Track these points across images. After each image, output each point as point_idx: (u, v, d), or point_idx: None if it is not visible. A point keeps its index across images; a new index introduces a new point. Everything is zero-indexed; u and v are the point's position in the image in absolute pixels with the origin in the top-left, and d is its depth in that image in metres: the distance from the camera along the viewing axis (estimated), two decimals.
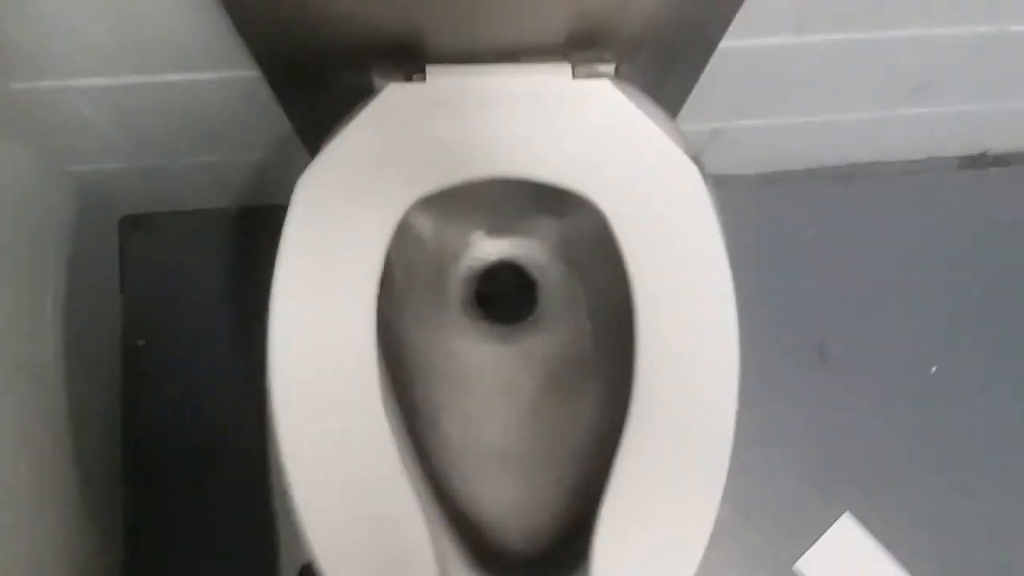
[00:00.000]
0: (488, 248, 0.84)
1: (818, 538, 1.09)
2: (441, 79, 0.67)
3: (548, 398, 0.80)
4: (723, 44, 0.76)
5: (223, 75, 0.77)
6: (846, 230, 1.21)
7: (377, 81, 0.68)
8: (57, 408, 0.88)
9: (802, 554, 1.09)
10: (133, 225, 1.12)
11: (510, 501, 0.75)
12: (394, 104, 0.66)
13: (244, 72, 0.76)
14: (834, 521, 1.10)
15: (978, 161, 1.25)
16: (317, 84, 0.74)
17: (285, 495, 0.60)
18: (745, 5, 0.70)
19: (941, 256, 1.22)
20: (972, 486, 1.13)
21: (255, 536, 0.98)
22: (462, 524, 0.71)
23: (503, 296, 0.85)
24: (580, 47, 0.69)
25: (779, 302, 1.16)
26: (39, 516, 0.83)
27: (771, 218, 1.20)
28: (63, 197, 0.94)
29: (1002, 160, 1.26)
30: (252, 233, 1.10)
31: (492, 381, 0.81)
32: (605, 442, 0.64)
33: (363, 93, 0.68)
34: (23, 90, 0.76)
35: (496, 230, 0.84)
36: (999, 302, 1.21)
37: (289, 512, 0.60)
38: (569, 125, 0.66)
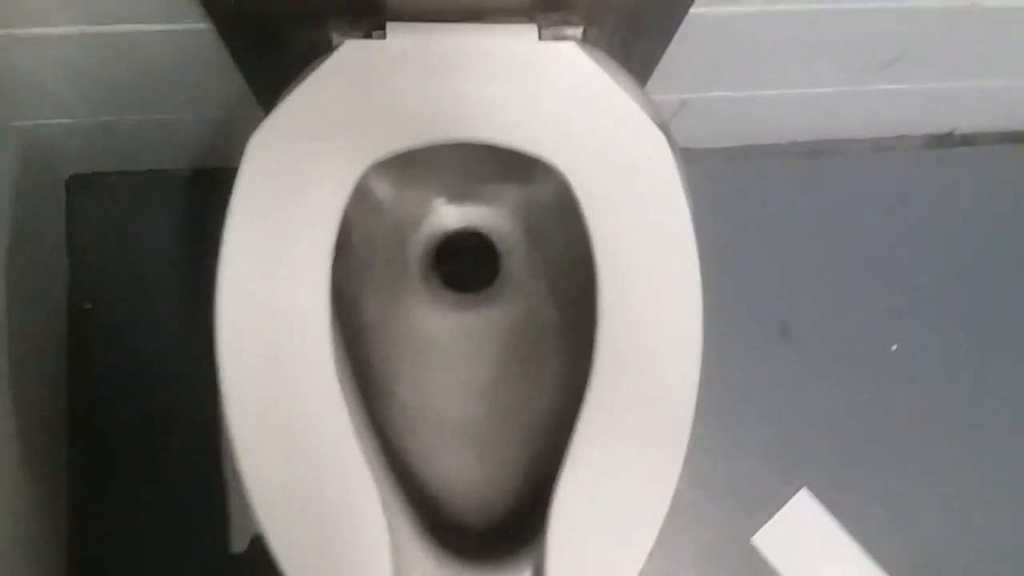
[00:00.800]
0: (449, 215, 0.83)
1: (775, 513, 1.10)
2: (401, 37, 0.65)
3: (508, 369, 0.79)
4: (693, 11, 0.75)
5: (174, 27, 0.74)
6: (812, 207, 1.21)
7: (335, 38, 0.66)
8: None
9: (759, 528, 1.09)
10: (81, 184, 1.09)
11: (467, 474, 0.75)
12: (352, 62, 0.64)
13: (196, 24, 0.74)
14: (792, 496, 1.11)
15: (945, 140, 1.26)
16: (272, 39, 0.72)
17: (235, 465, 0.59)
18: None
19: (905, 235, 1.22)
20: (929, 464, 1.14)
21: (207, 503, 0.97)
22: (417, 497, 0.70)
23: (464, 264, 0.84)
24: (546, 8, 0.67)
25: (742, 278, 1.16)
26: None
27: (737, 193, 1.19)
28: (6, 154, 0.91)
29: (969, 140, 1.27)
30: (205, 195, 1.08)
31: (451, 351, 0.80)
32: (565, 414, 0.63)
33: (320, 50, 0.66)
34: None
35: (458, 196, 0.82)
36: (962, 281, 1.22)
37: (240, 483, 0.59)
38: (533, 88, 0.65)
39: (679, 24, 0.77)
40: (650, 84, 0.89)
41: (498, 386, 0.78)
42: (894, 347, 1.17)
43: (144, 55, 0.79)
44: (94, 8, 0.71)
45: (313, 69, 0.64)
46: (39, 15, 0.72)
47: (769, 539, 1.09)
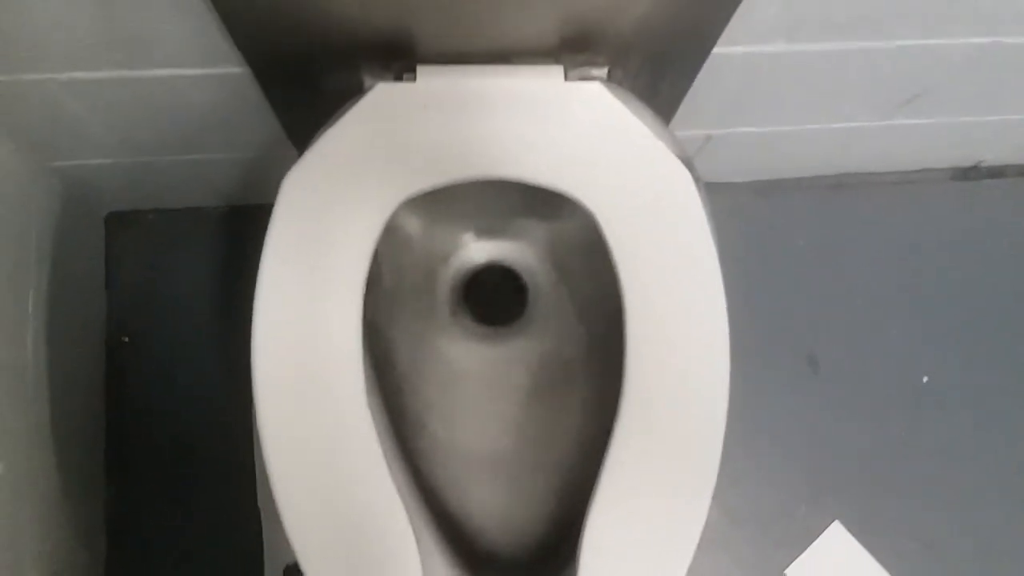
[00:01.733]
0: (477, 250, 0.84)
1: (807, 546, 1.09)
2: (431, 79, 0.66)
3: (536, 401, 0.79)
4: (716, 50, 0.76)
5: (210, 71, 0.76)
6: (838, 240, 1.21)
7: (367, 80, 0.67)
8: (39, 405, 0.87)
9: (792, 561, 1.08)
10: (119, 222, 1.11)
11: (497, 504, 0.75)
12: (383, 103, 0.66)
13: (232, 69, 0.75)
14: (824, 529, 1.10)
15: (971, 173, 1.25)
16: (306, 82, 0.73)
17: (269, 495, 0.60)
18: (738, 12, 0.69)
19: (932, 267, 1.22)
20: (961, 496, 1.13)
21: (239, 535, 0.96)
22: (449, 527, 0.71)
23: (492, 299, 0.85)
24: (572, 50, 0.69)
25: (770, 311, 1.16)
26: (19, 514, 0.82)
27: (763, 227, 1.20)
28: (47, 193, 0.93)
29: (995, 172, 1.26)
30: (240, 232, 1.09)
31: (480, 384, 0.80)
32: (593, 447, 0.63)
33: (352, 92, 0.67)
34: (6, 83, 0.75)
35: (486, 232, 0.83)
36: (990, 313, 1.21)
37: (273, 513, 0.60)
38: (560, 127, 0.65)
39: (702, 63, 0.77)
40: (676, 120, 0.89)
41: (527, 418, 0.78)
42: (925, 379, 1.16)
43: (181, 98, 0.80)
44: (135, 52, 0.73)
45: (346, 111, 0.65)
46: (80, 59, 0.73)
47: (803, 572, 1.08)
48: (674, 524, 0.60)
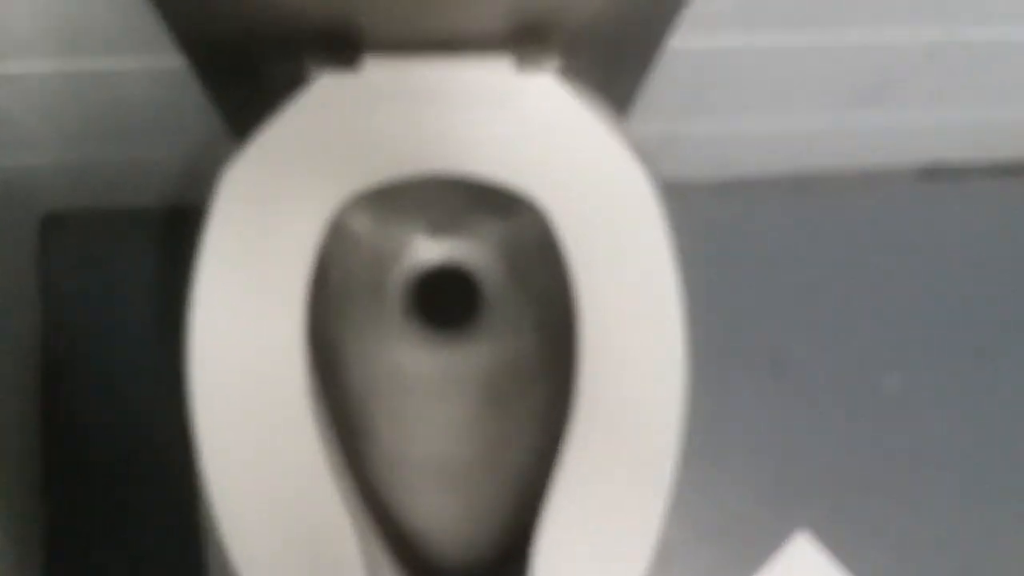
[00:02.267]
0: (429, 250, 0.83)
1: (771, 556, 1.09)
2: (378, 70, 0.65)
3: (490, 408, 0.79)
4: (673, 44, 0.76)
5: (148, 64, 0.75)
6: (802, 240, 1.22)
7: (311, 71, 0.66)
8: None
9: (755, 573, 1.08)
10: (55, 223, 1.09)
11: (448, 514, 0.74)
12: (327, 95, 0.65)
13: (170, 61, 0.74)
14: (788, 538, 1.09)
15: (935, 172, 1.27)
16: (247, 73, 0.72)
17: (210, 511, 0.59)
18: (692, 5, 0.69)
19: (896, 267, 1.23)
20: (929, 500, 1.13)
21: (183, 552, 0.93)
22: (399, 538, 0.70)
23: (445, 301, 0.84)
24: (524, 41, 0.68)
25: (732, 312, 1.15)
26: None
27: (726, 226, 1.20)
28: None
29: (958, 171, 1.27)
30: (182, 232, 1.06)
31: (431, 389, 0.80)
32: (547, 454, 0.63)
33: (296, 84, 0.66)
34: None
35: (437, 231, 0.82)
36: (955, 314, 1.22)
37: (215, 530, 0.59)
38: (511, 121, 0.65)
39: (655, 56, 0.77)
40: (634, 117, 0.89)
41: (480, 425, 0.78)
42: (889, 382, 1.17)
43: (119, 92, 0.80)
44: (68, 44, 0.72)
45: (288, 103, 0.64)
46: (10, 51, 0.72)
47: None
48: (629, 533, 0.60)
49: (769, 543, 1.09)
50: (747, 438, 1.12)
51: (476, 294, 0.83)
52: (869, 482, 1.13)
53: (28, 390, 1.03)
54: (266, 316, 0.61)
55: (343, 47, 0.66)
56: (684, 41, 0.78)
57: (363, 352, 0.78)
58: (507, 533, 0.72)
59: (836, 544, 1.09)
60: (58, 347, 1.06)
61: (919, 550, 1.11)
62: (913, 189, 1.27)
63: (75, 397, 1.05)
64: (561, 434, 0.61)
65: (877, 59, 0.89)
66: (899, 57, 0.90)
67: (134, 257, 1.09)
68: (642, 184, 0.65)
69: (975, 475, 1.15)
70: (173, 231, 1.10)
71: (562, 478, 0.60)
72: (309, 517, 0.59)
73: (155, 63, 0.75)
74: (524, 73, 0.66)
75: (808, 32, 0.81)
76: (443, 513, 0.74)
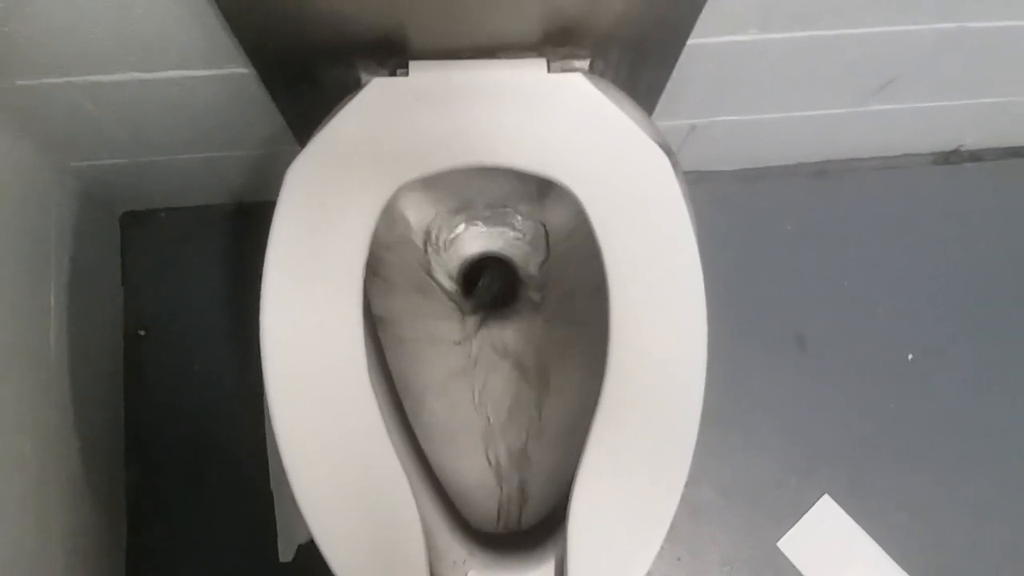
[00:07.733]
0: (472, 235, 0.87)
1: (798, 519, 1.12)
2: (423, 74, 0.69)
3: (529, 381, 0.82)
4: (693, 41, 0.78)
5: (218, 72, 0.79)
6: (823, 224, 1.24)
7: (363, 77, 0.71)
8: (62, 390, 0.91)
9: (784, 534, 1.11)
10: (134, 220, 1.15)
11: (491, 478, 0.78)
12: (379, 97, 0.68)
13: (238, 69, 0.78)
14: (814, 502, 1.13)
15: (952, 157, 1.28)
16: (307, 80, 0.76)
17: (282, 477, 0.62)
18: (711, 3, 0.72)
19: (916, 249, 1.24)
20: (948, 468, 1.16)
21: (253, 517, 1.00)
22: (446, 496, 0.73)
23: (486, 282, 0.88)
24: (555, 44, 0.72)
25: (757, 293, 1.19)
26: (45, 492, 0.86)
27: (750, 213, 1.22)
28: (66, 192, 0.96)
29: (975, 155, 1.28)
30: (249, 226, 1.12)
31: (475, 364, 0.83)
32: (581, 422, 0.65)
33: (350, 88, 0.70)
34: (27, 87, 0.77)
35: (478, 219, 0.86)
36: (972, 292, 1.23)
37: (287, 494, 0.62)
38: (545, 116, 0.68)
39: (678, 53, 0.80)
40: (659, 110, 0.92)
41: (519, 396, 0.81)
42: (909, 356, 1.19)
43: (191, 98, 0.83)
44: (147, 56, 0.76)
45: (343, 105, 0.68)
46: (96, 64, 0.76)
47: (794, 544, 1.11)
48: (655, 489, 0.62)
49: (796, 506, 1.13)
50: (773, 409, 1.15)
51: (516, 276, 0.87)
52: (889, 450, 1.15)
53: (113, 369, 1.08)
54: (328, 297, 0.64)
55: (392, 54, 0.70)
56: (704, 38, 0.80)
57: (413, 329, 0.82)
58: (548, 496, 0.75)
59: (856, 508, 1.12)
60: (138, 332, 1.11)
61: (935, 514, 1.14)
62: (931, 173, 1.28)
63: (154, 375, 1.10)
64: (594, 404, 0.63)
65: (887, 52, 0.90)
66: (905, 49, 0.90)
67: (204, 248, 1.15)
68: (666, 170, 0.67)
69: (991, 443, 1.17)
70: (241, 225, 1.15)
71: (593, 443, 0.63)
72: (372, 481, 0.62)
73: (225, 72, 0.79)
74: (556, 73, 0.70)
75: (820, 28, 0.82)
76: (488, 475, 0.77)
